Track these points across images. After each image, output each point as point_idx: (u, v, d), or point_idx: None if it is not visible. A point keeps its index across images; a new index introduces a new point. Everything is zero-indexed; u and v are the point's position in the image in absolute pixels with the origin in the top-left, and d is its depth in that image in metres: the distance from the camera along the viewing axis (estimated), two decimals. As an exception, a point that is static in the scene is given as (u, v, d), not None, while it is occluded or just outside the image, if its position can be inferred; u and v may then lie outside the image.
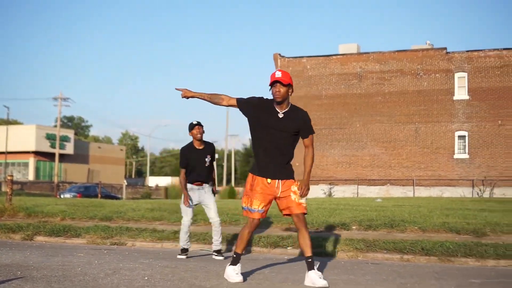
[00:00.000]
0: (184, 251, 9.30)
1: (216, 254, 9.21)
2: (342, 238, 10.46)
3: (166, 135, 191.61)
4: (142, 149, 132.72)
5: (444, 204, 20.38)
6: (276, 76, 6.28)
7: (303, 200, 6.34)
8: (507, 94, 39.70)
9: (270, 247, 10.30)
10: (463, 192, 38.47)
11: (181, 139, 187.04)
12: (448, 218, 13.44)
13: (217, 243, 9.24)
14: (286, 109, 6.37)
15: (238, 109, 6.43)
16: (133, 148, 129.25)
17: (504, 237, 10.84)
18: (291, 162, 6.49)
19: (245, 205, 6.40)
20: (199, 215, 12.82)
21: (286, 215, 6.43)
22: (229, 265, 6.48)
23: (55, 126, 76.17)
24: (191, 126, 9.17)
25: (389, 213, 14.73)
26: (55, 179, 62.78)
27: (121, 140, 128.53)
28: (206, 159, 9.21)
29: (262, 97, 6.45)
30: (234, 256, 6.47)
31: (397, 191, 41.00)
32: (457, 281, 6.79)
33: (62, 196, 38.99)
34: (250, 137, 6.55)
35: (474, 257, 8.94)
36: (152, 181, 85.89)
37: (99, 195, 37.66)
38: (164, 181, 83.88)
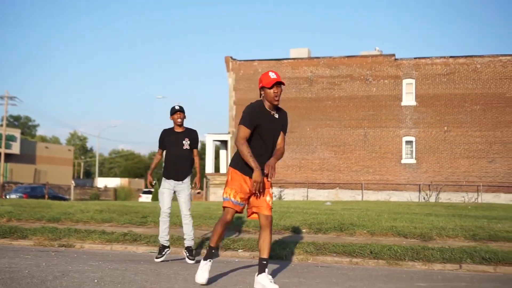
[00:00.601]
0: (161, 251, 8.83)
1: (187, 254, 8.84)
2: (292, 241, 10.52)
3: (115, 136, 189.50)
4: (91, 149, 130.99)
5: (392, 208, 20.73)
6: (275, 77, 6.29)
7: (271, 203, 6.31)
8: (453, 101, 40.62)
9: (221, 250, 10.28)
10: (410, 196, 39.17)
11: (131, 140, 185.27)
12: (396, 222, 13.65)
13: (188, 237, 8.90)
14: (275, 109, 6.39)
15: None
16: (81, 148, 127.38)
17: (450, 241, 11.08)
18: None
19: (226, 195, 6.26)
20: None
21: (253, 213, 6.33)
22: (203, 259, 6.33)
23: (1, 125, 74.49)
24: (173, 111, 9.04)
25: (339, 217, 14.89)
26: (0, 179, 61.43)
27: (69, 140, 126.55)
28: (184, 142, 9.02)
29: (253, 106, 6.29)
30: (208, 250, 6.35)
31: (346, 195, 41.48)
32: (405, 285, 6.92)
33: (8, 197, 38.20)
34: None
35: (421, 261, 9.10)
36: (101, 182, 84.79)
37: (46, 196, 37.02)
38: (113, 182, 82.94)
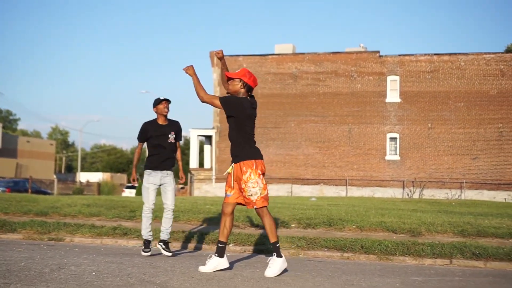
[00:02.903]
0: (147, 245, 8.78)
1: (164, 247, 8.77)
2: (282, 235, 10.56)
3: (97, 131, 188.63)
4: (73, 144, 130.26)
5: (377, 204, 20.85)
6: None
7: (252, 197, 6.79)
8: (437, 98, 40.92)
9: (212, 244, 10.30)
10: (394, 193, 39.43)
11: (113, 135, 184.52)
12: (384, 217, 13.74)
13: (166, 231, 8.83)
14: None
15: (218, 107, 6.97)
16: (63, 143, 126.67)
17: (439, 236, 11.19)
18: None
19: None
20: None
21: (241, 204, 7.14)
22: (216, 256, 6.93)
23: (-18, 118, 74.02)
24: (158, 101, 8.83)
25: (326, 212, 14.97)
26: (-18, 173, 60.98)
27: (50, 134, 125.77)
28: (170, 135, 8.87)
29: (240, 97, 7.01)
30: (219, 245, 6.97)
31: (330, 191, 41.65)
32: (400, 278, 6.99)
33: (-10, 191, 37.89)
34: (234, 131, 6.96)
35: (412, 256, 9.18)
36: (83, 176, 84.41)
37: (30, 190, 36.79)
38: (95, 176, 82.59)
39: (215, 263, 6.88)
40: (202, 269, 6.87)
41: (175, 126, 9.03)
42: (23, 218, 13.42)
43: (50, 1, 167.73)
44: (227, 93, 7.13)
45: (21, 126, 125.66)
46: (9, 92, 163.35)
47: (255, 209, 6.83)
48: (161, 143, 8.84)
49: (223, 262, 6.92)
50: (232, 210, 6.96)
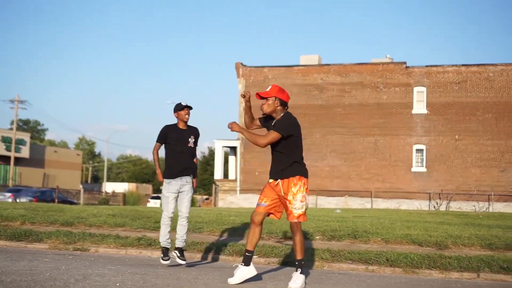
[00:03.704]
0: (166, 253, 8.80)
1: (178, 255, 8.77)
2: (306, 248, 10.48)
3: (123, 141, 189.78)
4: (99, 154, 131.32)
5: (403, 216, 20.65)
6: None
7: (295, 210, 6.82)
8: (465, 110, 40.54)
9: (236, 256, 10.28)
10: (420, 205, 39.05)
11: (139, 145, 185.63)
12: (410, 230, 13.60)
13: (181, 239, 8.85)
14: None
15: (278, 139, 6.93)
16: (89, 153, 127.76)
17: (466, 249, 11.03)
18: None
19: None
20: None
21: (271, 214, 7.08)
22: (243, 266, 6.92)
23: (11, 129, 74.90)
24: (180, 107, 8.85)
25: (351, 224, 14.86)
26: (10, 183, 61.63)
27: (77, 145, 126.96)
28: (190, 139, 8.91)
29: (291, 116, 7.13)
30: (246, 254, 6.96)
31: (355, 203, 41.40)
32: (426, 292, 6.89)
33: (18, 200, 38.27)
34: (288, 148, 7.00)
35: (438, 269, 9.07)
36: (109, 187, 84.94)
37: (56, 200, 37.08)
38: (121, 187, 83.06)
39: (243, 273, 6.85)
40: (231, 281, 6.85)
41: (194, 132, 9.07)
42: (49, 228, 13.52)
43: (81, 11, 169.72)
44: (263, 114, 7.11)
45: (48, 136, 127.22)
46: (37, 103, 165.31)
47: (293, 222, 6.81)
48: (181, 148, 8.87)
49: (251, 271, 6.90)
50: (262, 220, 6.95)
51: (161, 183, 9.23)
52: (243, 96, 7.26)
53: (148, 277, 7.18)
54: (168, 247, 8.92)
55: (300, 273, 6.75)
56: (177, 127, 8.95)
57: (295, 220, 6.79)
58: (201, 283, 6.83)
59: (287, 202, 6.82)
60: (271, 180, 6.98)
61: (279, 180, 6.90)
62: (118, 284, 6.39)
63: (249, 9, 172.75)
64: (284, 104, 7.02)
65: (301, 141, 7.07)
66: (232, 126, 6.89)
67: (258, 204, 6.99)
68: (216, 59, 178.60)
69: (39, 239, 11.62)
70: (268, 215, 7.00)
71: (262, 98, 7.01)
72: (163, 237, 8.91)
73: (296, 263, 6.82)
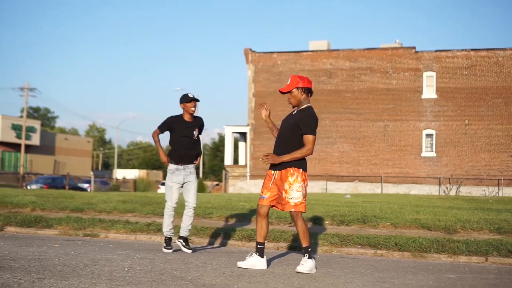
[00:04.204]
0: (169, 242, 8.86)
1: (184, 244, 8.83)
2: (316, 232, 10.52)
3: (133, 128, 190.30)
4: (109, 141, 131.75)
5: (413, 201, 20.65)
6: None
7: (292, 200, 6.79)
8: (474, 94, 40.34)
9: (245, 240, 10.33)
10: (430, 189, 39.00)
11: (149, 132, 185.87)
12: (419, 214, 13.60)
13: (186, 228, 8.89)
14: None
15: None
16: (100, 140, 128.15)
17: (475, 234, 11.02)
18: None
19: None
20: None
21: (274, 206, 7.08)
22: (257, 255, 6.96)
23: (21, 116, 75.20)
24: (188, 99, 8.82)
25: (360, 209, 14.87)
26: (21, 170, 61.99)
27: (87, 132, 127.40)
28: (194, 132, 8.92)
29: (314, 113, 7.07)
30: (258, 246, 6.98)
31: (365, 188, 41.38)
32: (434, 276, 6.90)
33: (28, 187, 38.52)
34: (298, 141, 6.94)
35: (447, 253, 9.08)
36: (120, 173, 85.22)
37: (67, 187, 37.28)
38: (131, 173, 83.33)
39: (254, 261, 6.90)
40: (240, 264, 6.93)
41: (199, 123, 9.06)
42: (59, 214, 13.61)
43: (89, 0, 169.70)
44: (293, 107, 7.13)
45: (59, 123, 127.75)
46: (48, 90, 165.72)
47: (292, 212, 6.81)
48: (186, 140, 8.89)
49: (262, 263, 6.93)
50: (267, 212, 6.98)
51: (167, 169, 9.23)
52: (261, 106, 7.29)
53: (156, 261, 7.22)
54: (171, 237, 8.98)
55: (308, 258, 6.76)
56: (182, 119, 8.94)
57: (292, 210, 6.78)
58: (209, 268, 6.86)
59: (284, 192, 6.82)
60: (270, 170, 7.00)
61: (276, 171, 6.91)
62: (126, 269, 6.43)
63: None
64: (307, 90, 7.01)
65: None
66: (271, 160, 6.87)
67: (260, 197, 7.03)
68: (225, 45, 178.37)
69: (49, 225, 11.70)
70: (272, 207, 7.03)
71: (284, 93, 7.01)
72: (167, 227, 8.95)
73: (303, 250, 6.84)
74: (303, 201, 6.84)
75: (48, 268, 6.25)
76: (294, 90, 6.98)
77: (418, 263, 8.39)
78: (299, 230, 6.81)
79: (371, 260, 8.57)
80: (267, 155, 6.87)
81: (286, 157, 6.81)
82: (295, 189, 6.78)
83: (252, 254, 6.95)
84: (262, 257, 6.93)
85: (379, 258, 8.92)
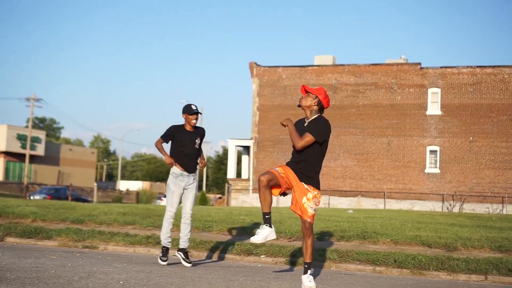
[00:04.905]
0: (165, 253, 8.80)
1: (183, 257, 8.75)
2: (315, 248, 10.45)
3: (138, 140, 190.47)
4: (114, 152, 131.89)
5: (415, 218, 20.54)
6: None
7: (310, 209, 6.73)
8: (479, 111, 40.27)
9: (243, 255, 10.28)
10: (433, 206, 38.85)
11: (154, 144, 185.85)
12: (419, 231, 13.53)
13: (185, 238, 8.83)
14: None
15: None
16: (104, 151, 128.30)
17: (475, 252, 10.95)
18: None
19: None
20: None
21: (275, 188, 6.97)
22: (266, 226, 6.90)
23: (27, 126, 75.38)
24: (191, 111, 8.92)
25: (361, 225, 14.80)
26: (25, 180, 62.07)
27: (92, 143, 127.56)
28: (197, 141, 9.00)
29: (324, 119, 7.00)
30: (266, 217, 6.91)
31: (368, 203, 41.25)
32: (431, 294, 6.86)
33: (32, 198, 38.54)
34: (318, 155, 6.91)
35: (446, 271, 9.01)
36: (123, 185, 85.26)
37: (70, 198, 37.27)
38: (135, 185, 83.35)
39: (266, 233, 6.86)
40: (253, 239, 6.88)
41: (200, 132, 9.14)
42: (60, 225, 13.58)
43: (97, 10, 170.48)
44: (297, 106, 7.12)
45: (64, 134, 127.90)
46: (54, 101, 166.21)
47: (307, 223, 6.74)
48: (187, 149, 8.96)
49: (272, 233, 6.92)
50: (268, 182, 6.83)
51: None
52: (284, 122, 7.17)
53: (152, 275, 7.20)
54: (169, 246, 8.92)
55: (310, 274, 6.75)
56: (184, 129, 9.03)
57: (309, 220, 6.71)
58: (205, 282, 6.84)
59: (304, 197, 6.77)
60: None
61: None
62: (121, 282, 6.41)
63: (263, 9, 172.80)
64: (321, 107, 6.98)
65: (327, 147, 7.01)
66: (286, 122, 6.93)
67: (273, 168, 6.96)
68: (230, 58, 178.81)
69: (48, 236, 11.67)
70: (270, 188, 6.89)
71: (306, 92, 7.00)
72: (165, 235, 8.90)
73: (306, 266, 6.77)
74: (313, 215, 6.81)
75: (43, 280, 6.23)
76: (313, 95, 6.94)
77: (416, 280, 8.35)
78: (309, 244, 6.74)
79: (369, 276, 8.52)
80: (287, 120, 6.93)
81: (291, 127, 6.86)
82: (312, 204, 6.75)
83: (262, 226, 6.90)
84: (271, 227, 6.91)
85: (377, 275, 8.87)
